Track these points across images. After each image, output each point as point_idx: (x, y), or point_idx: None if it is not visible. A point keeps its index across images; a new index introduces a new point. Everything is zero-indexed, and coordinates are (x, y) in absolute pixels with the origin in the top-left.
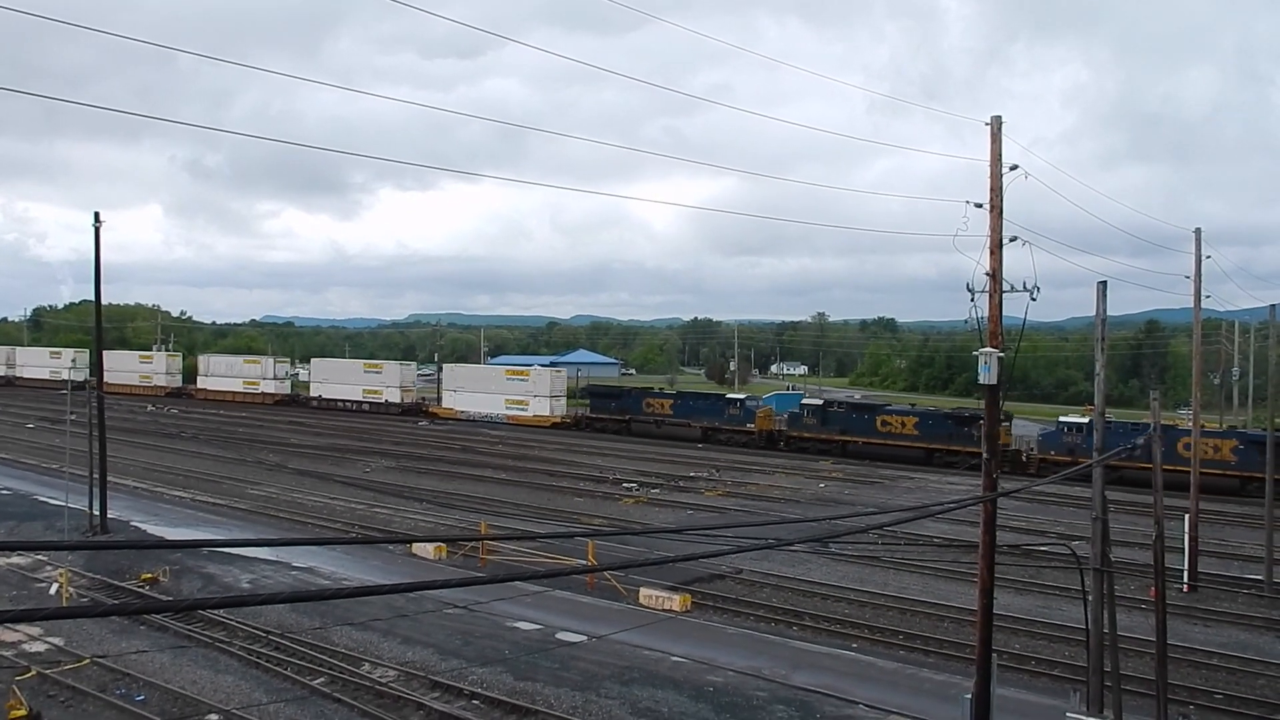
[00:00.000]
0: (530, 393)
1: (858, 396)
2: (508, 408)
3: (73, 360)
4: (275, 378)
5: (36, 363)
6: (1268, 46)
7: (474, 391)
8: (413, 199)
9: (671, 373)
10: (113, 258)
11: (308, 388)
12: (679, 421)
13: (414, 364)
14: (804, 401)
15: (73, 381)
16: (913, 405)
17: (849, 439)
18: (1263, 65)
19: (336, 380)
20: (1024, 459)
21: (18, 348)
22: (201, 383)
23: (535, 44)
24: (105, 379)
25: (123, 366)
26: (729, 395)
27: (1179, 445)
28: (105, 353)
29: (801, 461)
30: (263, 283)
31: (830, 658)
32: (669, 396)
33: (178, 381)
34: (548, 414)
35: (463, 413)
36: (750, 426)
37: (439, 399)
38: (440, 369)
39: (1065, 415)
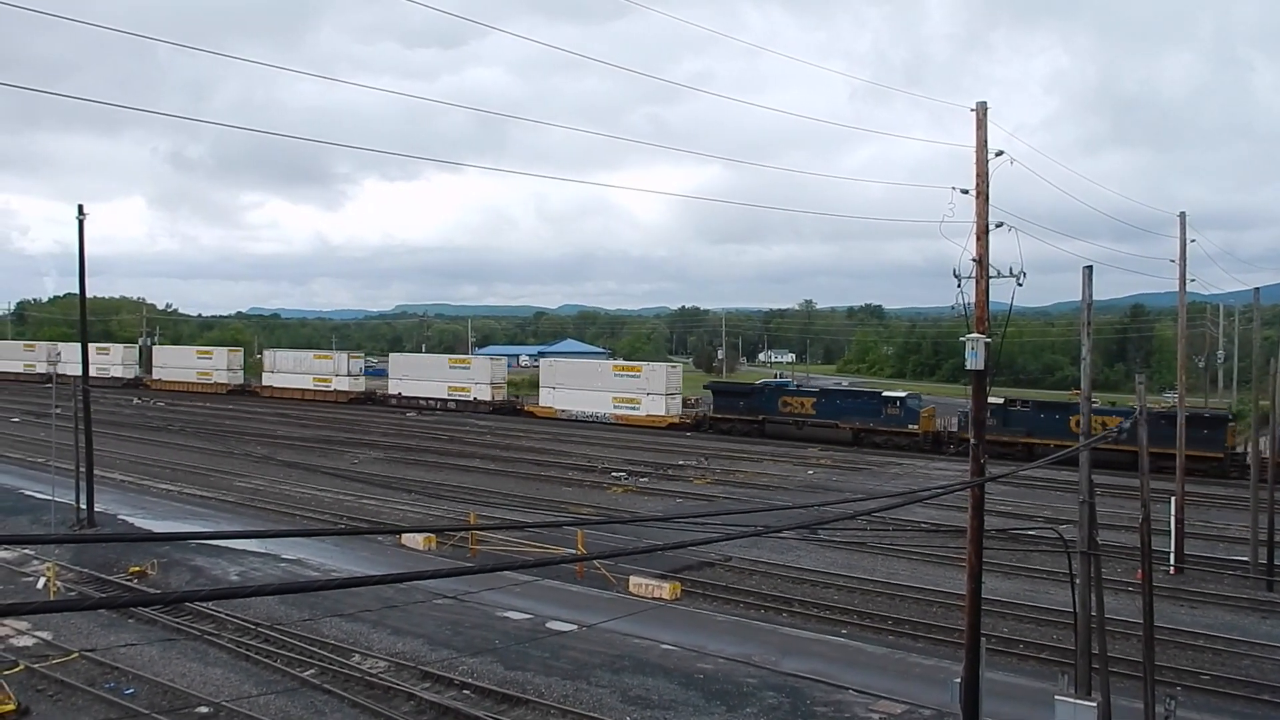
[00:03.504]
0: (643, 390)
1: (845, 384)
2: (615, 406)
3: (121, 358)
4: (349, 374)
5: (79, 359)
6: (1246, 30)
7: (576, 389)
8: (397, 189)
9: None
10: (96, 250)
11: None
12: (824, 422)
13: (505, 359)
14: None
15: (124, 380)
16: (1114, 404)
17: (1036, 441)
18: (1241, 49)
19: (418, 377)
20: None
21: (61, 343)
22: (267, 380)
23: (518, 32)
24: (160, 376)
25: (180, 363)
26: (885, 393)
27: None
28: (159, 349)
29: (789, 449)
30: (248, 274)
31: (819, 644)
32: (811, 394)
33: (240, 378)
34: (663, 414)
35: (563, 412)
36: (913, 428)
37: (537, 397)
38: (538, 364)
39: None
